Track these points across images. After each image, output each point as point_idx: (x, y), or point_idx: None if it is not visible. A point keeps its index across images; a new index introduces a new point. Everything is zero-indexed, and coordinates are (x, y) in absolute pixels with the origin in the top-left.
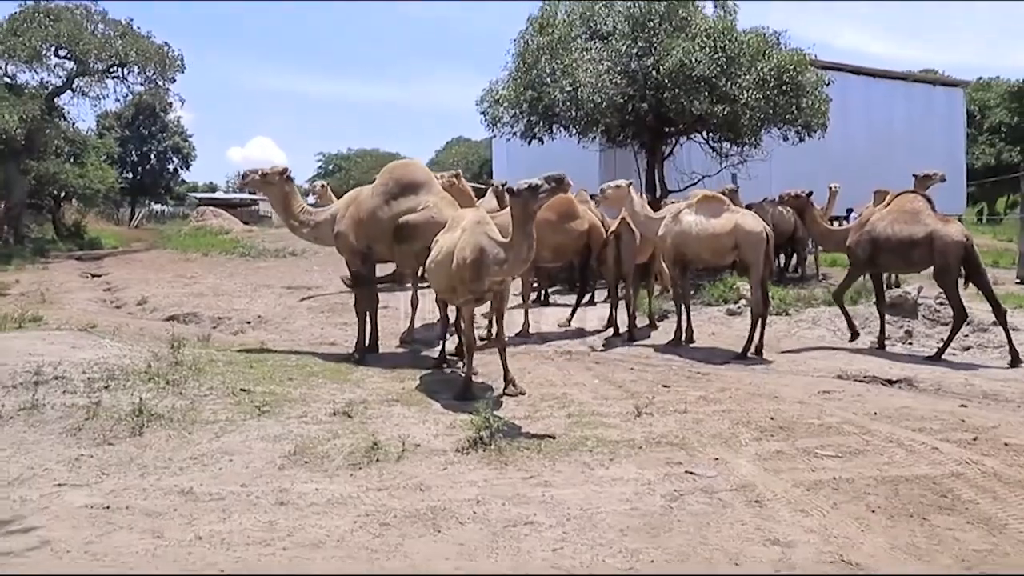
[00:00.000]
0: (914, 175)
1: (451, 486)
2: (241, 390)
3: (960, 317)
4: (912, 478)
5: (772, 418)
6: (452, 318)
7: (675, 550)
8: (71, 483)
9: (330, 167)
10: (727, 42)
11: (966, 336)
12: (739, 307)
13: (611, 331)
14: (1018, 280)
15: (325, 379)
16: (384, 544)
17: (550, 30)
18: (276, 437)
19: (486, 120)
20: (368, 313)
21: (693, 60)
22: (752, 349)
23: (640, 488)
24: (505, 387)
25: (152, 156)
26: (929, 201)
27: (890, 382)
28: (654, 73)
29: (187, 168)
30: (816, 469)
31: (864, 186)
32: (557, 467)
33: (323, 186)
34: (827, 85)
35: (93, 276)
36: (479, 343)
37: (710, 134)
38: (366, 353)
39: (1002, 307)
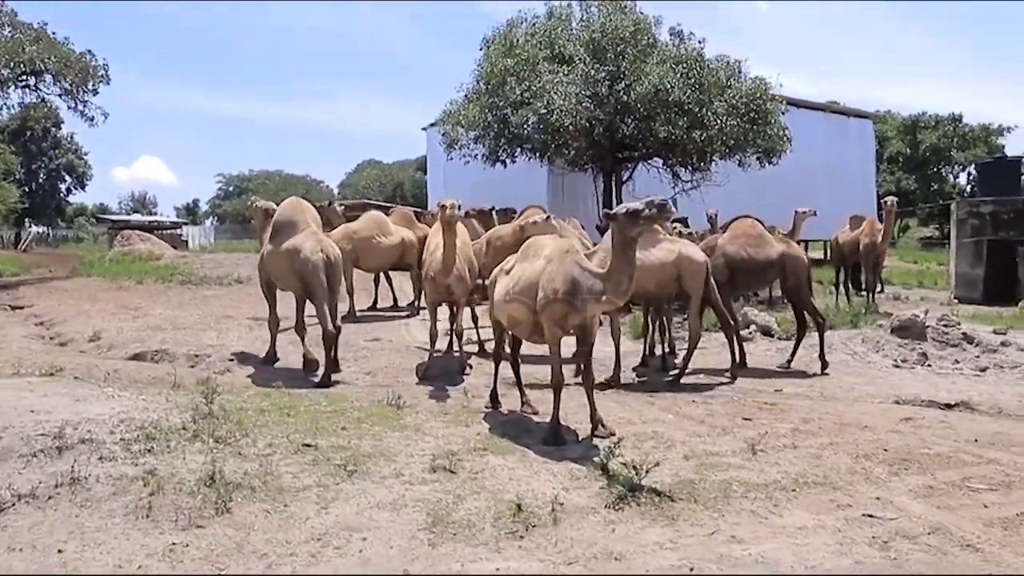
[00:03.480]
0: (882, 204)
1: (642, 551)
2: (304, 445)
3: (806, 326)
4: None
5: (886, 450)
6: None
7: None
8: None
9: (231, 188)
10: (698, 69)
11: (978, 357)
12: (750, 333)
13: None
14: (955, 299)
15: (379, 425)
16: None
17: (517, 51)
18: (393, 504)
19: (444, 142)
20: (272, 331)
21: (668, 85)
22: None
23: (837, 537)
24: (593, 428)
25: (41, 174)
26: (762, 224)
27: (948, 406)
28: (624, 97)
29: (82, 188)
30: (988, 505)
31: (791, 212)
32: (728, 518)
33: None
34: (783, 114)
35: (14, 308)
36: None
37: (669, 159)
38: (266, 363)
39: (823, 321)
